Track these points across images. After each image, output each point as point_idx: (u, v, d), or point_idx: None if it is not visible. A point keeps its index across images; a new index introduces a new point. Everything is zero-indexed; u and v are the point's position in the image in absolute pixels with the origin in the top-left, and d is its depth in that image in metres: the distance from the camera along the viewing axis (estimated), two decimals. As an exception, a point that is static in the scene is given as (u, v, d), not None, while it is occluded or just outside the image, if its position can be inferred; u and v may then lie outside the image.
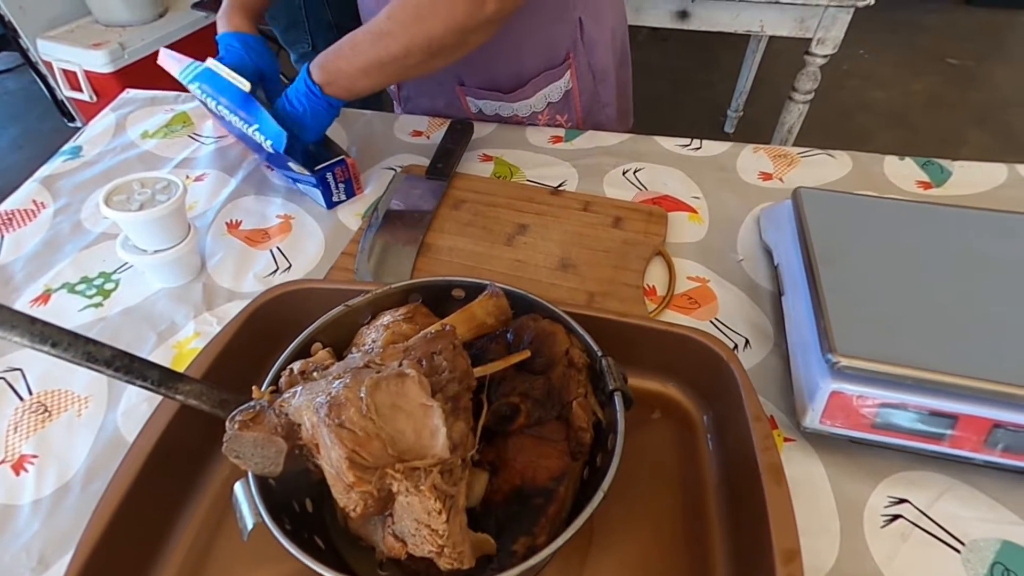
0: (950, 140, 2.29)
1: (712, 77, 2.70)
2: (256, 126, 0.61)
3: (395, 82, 0.63)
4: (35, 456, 0.46)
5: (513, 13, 0.59)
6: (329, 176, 0.67)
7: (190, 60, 0.65)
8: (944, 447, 0.42)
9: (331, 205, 0.70)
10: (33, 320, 0.31)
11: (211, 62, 0.64)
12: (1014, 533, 0.42)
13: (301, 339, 0.42)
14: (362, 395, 0.30)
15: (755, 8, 1.35)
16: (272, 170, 0.75)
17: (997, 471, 0.44)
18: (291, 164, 0.65)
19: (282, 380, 0.38)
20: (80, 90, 2.01)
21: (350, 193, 0.71)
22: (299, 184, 0.70)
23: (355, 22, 1.19)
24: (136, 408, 0.49)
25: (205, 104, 0.66)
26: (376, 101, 1.62)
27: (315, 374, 0.37)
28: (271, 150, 0.62)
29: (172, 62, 0.67)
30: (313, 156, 0.66)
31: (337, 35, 1.30)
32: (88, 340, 0.32)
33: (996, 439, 0.41)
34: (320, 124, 0.64)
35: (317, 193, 0.68)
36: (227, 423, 0.34)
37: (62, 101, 2.19)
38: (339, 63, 0.61)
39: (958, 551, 0.41)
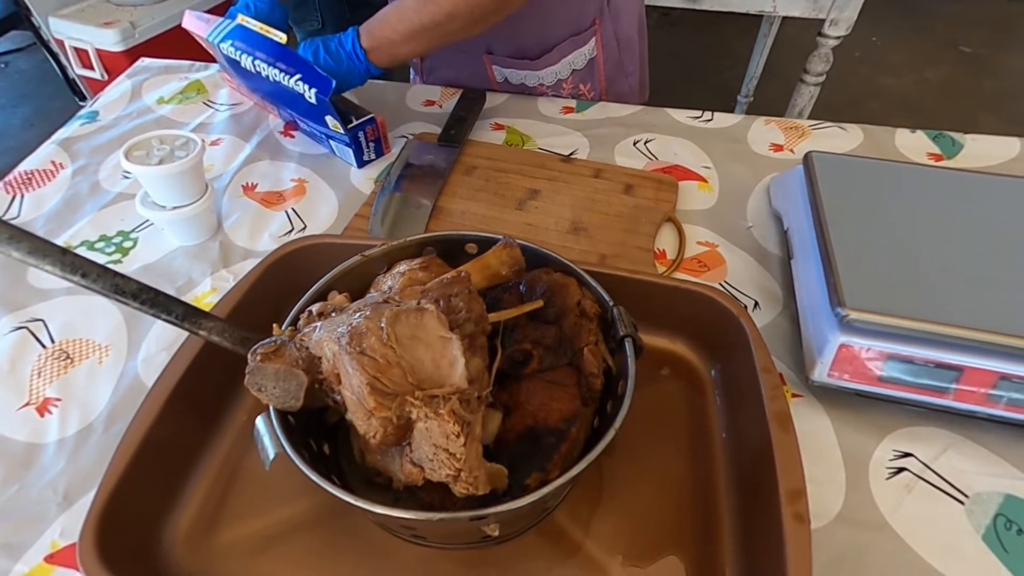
0: (962, 127, 2.25)
1: (722, 63, 2.68)
2: (299, 76, 0.62)
3: (436, 48, 0.65)
4: (58, 399, 0.48)
5: None
6: (360, 135, 0.68)
7: (219, 19, 0.66)
8: (949, 400, 0.43)
9: (362, 164, 0.71)
10: (64, 251, 0.31)
11: (241, 18, 0.65)
12: (1017, 487, 0.42)
13: (319, 285, 0.43)
14: (382, 325, 0.31)
15: (768, -12, 1.34)
16: (292, 135, 0.76)
17: (1001, 426, 0.44)
18: (328, 118, 0.65)
19: (301, 322, 0.39)
20: (92, 68, 2.01)
21: (379, 152, 0.72)
22: (331, 141, 0.71)
23: None
24: (156, 356, 0.50)
25: (235, 64, 0.67)
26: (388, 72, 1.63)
27: (333, 315, 0.38)
28: (313, 100, 0.62)
29: (200, 23, 0.68)
30: (343, 116, 0.67)
31: (347, 12, 1.29)
32: (116, 273, 0.33)
33: (1001, 392, 0.41)
34: (348, 85, 0.66)
35: (348, 152, 0.69)
36: (249, 356, 0.35)
37: (74, 80, 2.20)
38: (385, 30, 0.63)
39: (962, 503, 0.42)
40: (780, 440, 0.38)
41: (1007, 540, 0.40)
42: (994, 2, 3.16)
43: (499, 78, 0.83)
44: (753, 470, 0.40)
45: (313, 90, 0.61)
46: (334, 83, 0.61)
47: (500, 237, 0.45)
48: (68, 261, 0.31)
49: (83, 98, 2.26)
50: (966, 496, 0.42)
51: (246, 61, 0.65)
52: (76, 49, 2.01)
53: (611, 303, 0.42)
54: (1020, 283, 0.44)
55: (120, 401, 0.47)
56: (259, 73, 0.65)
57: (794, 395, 0.48)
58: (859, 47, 2.69)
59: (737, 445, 0.44)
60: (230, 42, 0.65)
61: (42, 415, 0.47)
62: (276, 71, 0.63)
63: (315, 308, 0.38)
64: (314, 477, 0.33)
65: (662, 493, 0.43)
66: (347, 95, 0.75)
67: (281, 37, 0.62)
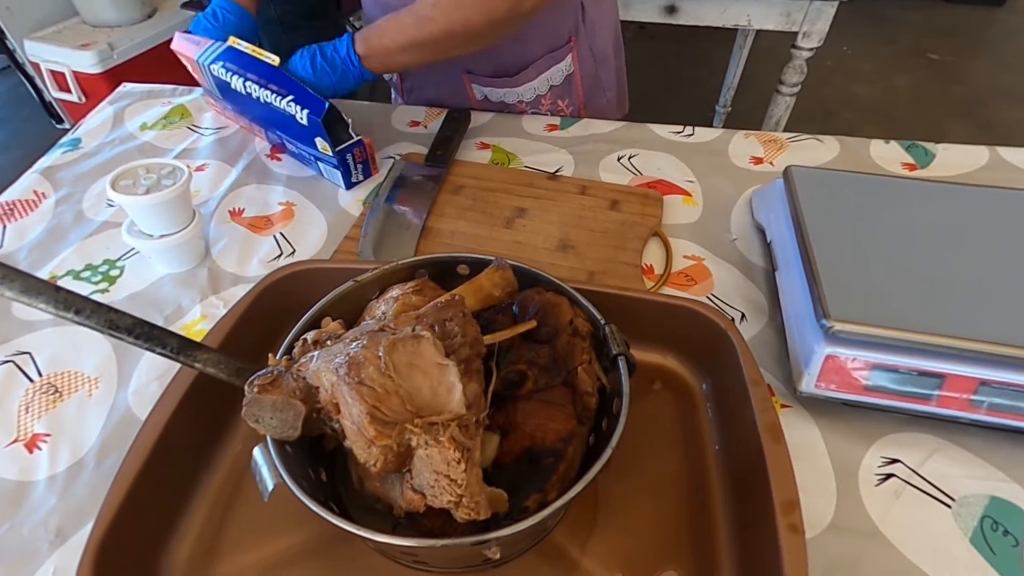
0: (932, 133, 2.32)
1: (700, 74, 2.73)
2: (291, 97, 0.63)
3: (430, 61, 0.68)
4: (48, 435, 0.47)
5: (548, 8, 0.64)
6: (348, 156, 0.68)
7: (210, 41, 0.66)
8: (933, 407, 0.44)
9: (350, 185, 0.71)
10: (58, 288, 0.31)
11: (232, 40, 0.65)
12: (1001, 489, 0.43)
13: (312, 312, 0.43)
14: (380, 354, 0.32)
15: (742, 2, 1.37)
16: (279, 158, 0.76)
17: (984, 431, 0.46)
18: (318, 139, 0.66)
19: (295, 350, 0.39)
20: (69, 91, 1.99)
21: (367, 173, 0.72)
22: (320, 163, 0.71)
23: (302, 20, 1.20)
24: (147, 387, 0.50)
25: (224, 86, 0.67)
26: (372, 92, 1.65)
27: (328, 343, 0.38)
28: (305, 121, 0.63)
29: (189, 44, 0.68)
30: (332, 138, 0.67)
31: (282, 31, 1.31)
32: (110, 308, 0.33)
33: (982, 397, 0.42)
34: (343, 89, 0.68)
35: (336, 173, 0.69)
36: (246, 387, 0.35)
37: (50, 103, 2.18)
38: (383, 40, 0.65)
39: (949, 506, 0.43)
40: (772, 452, 0.39)
41: (994, 542, 0.41)
42: (958, 10, 3.27)
43: (479, 96, 0.85)
44: (747, 482, 0.41)
45: (305, 111, 0.62)
46: (327, 104, 0.62)
47: (492, 259, 0.46)
48: (62, 299, 0.31)
49: (60, 121, 2.23)
50: (953, 500, 0.43)
51: (237, 83, 0.65)
52: (52, 72, 1.99)
53: (603, 322, 0.42)
54: (996, 290, 0.45)
55: (111, 434, 0.47)
56: (249, 95, 0.65)
57: (783, 405, 0.49)
58: (831, 56, 2.76)
59: (730, 457, 0.44)
60: (221, 63, 0.66)
61: (31, 451, 0.46)
62: (268, 92, 0.63)
63: (310, 336, 0.39)
64: (315, 508, 0.32)
65: (658, 507, 0.43)
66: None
67: (274, 60, 0.63)
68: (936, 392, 0.43)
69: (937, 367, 0.42)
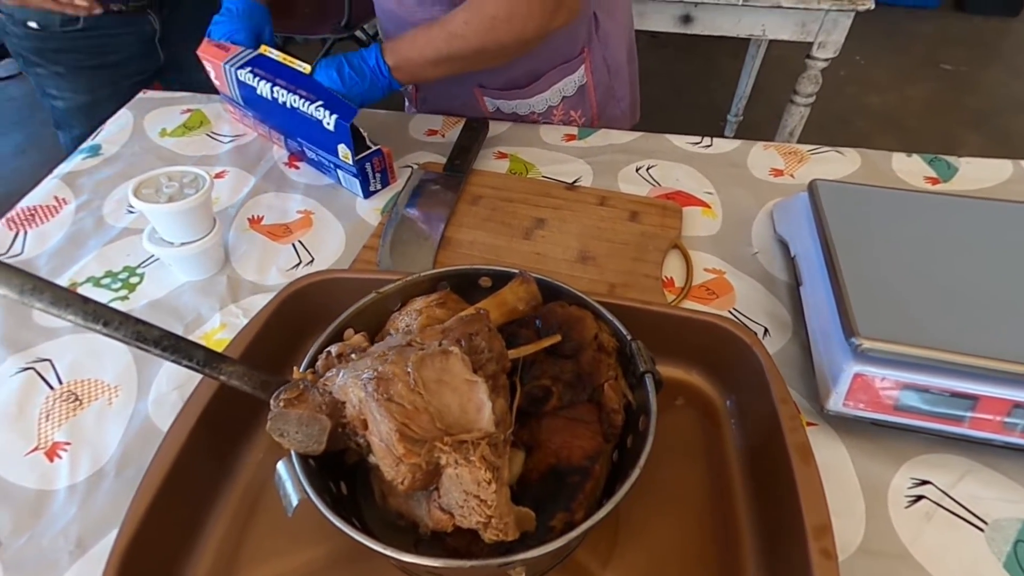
0: (947, 143, 2.32)
1: (711, 84, 2.72)
2: (320, 102, 0.63)
3: (460, 73, 0.70)
4: (68, 443, 0.47)
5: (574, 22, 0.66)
6: (367, 165, 0.69)
7: (240, 48, 0.67)
8: (965, 428, 0.43)
9: (368, 194, 0.71)
10: (86, 300, 0.31)
11: (264, 48, 0.67)
12: (1035, 513, 0.42)
13: (335, 325, 0.43)
14: (409, 370, 0.31)
15: (757, 12, 1.37)
16: (297, 166, 0.76)
17: (1016, 453, 0.45)
18: (341, 146, 0.66)
19: (319, 363, 0.38)
20: (85, 95, 2.01)
21: (385, 182, 0.72)
22: (339, 171, 0.71)
23: None
24: (167, 396, 0.50)
25: (249, 91, 0.68)
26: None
27: (352, 356, 0.37)
28: (332, 127, 0.63)
29: (218, 50, 0.69)
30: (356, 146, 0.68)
31: None
32: (137, 320, 0.33)
33: (1016, 420, 0.42)
34: (372, 99, 0.69)
35: (355, 182, 0.70)
36: (271, 401, 0.34)
37: (66, 107, 2.20)
38: (411, 53, 0.66)
39: (982, 530, 0.42)
40: (802, 473, 0.38)
41: (1028, 568, 0.40)
42: (971, 20, 3.25)
43: (491, 108, 0.85)
44: (775, 504, 0.40)
45: (334, 116, 0.63)
46: (357, 110, 0.63)
47: (515, 271, 0.46)
48: (90, 311, 0.31)
49: (75, 125, 2.25)
50: (985, 523, 0.42)
51: (264, 88, 0.66)
52: (69, 77, 2.01)
53: (629, 338, 0.42)
54: (1028, 309, 0.45)
55: (131, 444, 0.47)
56: (275, 100, 0.66)
57: (809, 424, 0.48)
58: (844, 66, 2.74)
59: (756, 477, 0.44)
60: (249, 69, 0.66)
61: (51, 460, 0.46)
62: (296, 97, 0.64)
63: (334, 349, 0.38)
64: (340, 524, 0.32)
65: (681, 526, 0.43)
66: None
67: (305, 68, 0.64)
68: (969, 414, 0.42)
69: (970, 388, 0.41)
